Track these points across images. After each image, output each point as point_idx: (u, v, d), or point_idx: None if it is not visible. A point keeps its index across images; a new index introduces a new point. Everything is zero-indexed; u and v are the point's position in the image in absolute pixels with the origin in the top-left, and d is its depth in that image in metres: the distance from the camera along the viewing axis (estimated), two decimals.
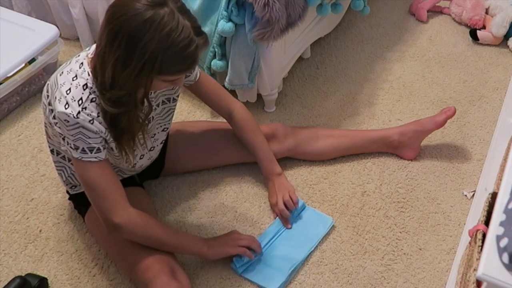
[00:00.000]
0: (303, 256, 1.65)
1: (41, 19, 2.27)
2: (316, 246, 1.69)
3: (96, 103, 1.34)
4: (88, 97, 1.33)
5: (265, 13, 1.71)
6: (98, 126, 1.35)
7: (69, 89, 1.33)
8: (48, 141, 1.56)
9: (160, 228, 1.49)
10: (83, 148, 1.35)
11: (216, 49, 1.90)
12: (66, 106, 1.31)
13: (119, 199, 1.41)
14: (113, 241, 1.56)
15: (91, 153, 1.36)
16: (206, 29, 1.87)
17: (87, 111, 1.33)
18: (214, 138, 1.83)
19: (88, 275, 1.64)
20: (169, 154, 1.80)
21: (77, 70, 1.35)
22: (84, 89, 1.33)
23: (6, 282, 1.57)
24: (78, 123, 1.32)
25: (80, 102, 1.32)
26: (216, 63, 1.93)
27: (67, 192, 1.70)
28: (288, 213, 1.72)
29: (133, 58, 1.24)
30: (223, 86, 2.04)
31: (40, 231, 1.75)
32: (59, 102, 1.32)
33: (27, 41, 2.12)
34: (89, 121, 1.33)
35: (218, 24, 1.82)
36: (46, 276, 1.62)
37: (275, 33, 1.77)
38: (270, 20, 1.72)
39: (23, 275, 1.60)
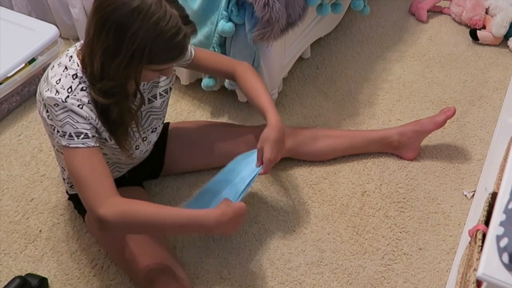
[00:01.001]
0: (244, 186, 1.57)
1: (41, 19, 2.27)
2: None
3: (87, 92, 1.33)
4: (77, 86, 1.33)
5: (265, 13, 1.71)
6: (88, 112, 1.33)
7: (59, 79, 1.33)
8: (50, 139, 1.54)
9: (152, 211, 1.33)
10: (70, 133, 1.32)
11: (216, 49, 1.90)
12: (56, 93, 1.31)
13: (102, 188, 1.30)
14: (113, 241, 1.56)
15: (78, 138, 1.32)
16: (206, 29, 1.87)
17: (76, 97, 1.32)
18: (214, 138, 1.83)
19: (88, 275, 1.64)
20: (168, 153, 1.80)
21: (66, 63, 1.35)
22: (73, 79, 1.33)
23: (6, 282, 1.56)
24: (66, 107, 1.31)
25: (69, 90, 1.31)
26: None
27: (67, 192, 1.70)
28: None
29: (122, 47, 1.24)
30: (223, 86, 2.04)
31: (40, 231, 1.75)
32: (49, 92, 1.32)
33: (27, 41, 2.12)
34: (78, 105, 1.32)
35: (218, 24, 1.82)
36: (46, 276, 1.62)
37: (275, 33, 1.77)
38: (270, 20, 1.72)
39: (23, 275, 1.60)
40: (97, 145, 1.36)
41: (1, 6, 2.31)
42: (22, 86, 2.14)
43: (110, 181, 1.33)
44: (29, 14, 2.37)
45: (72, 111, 1.31)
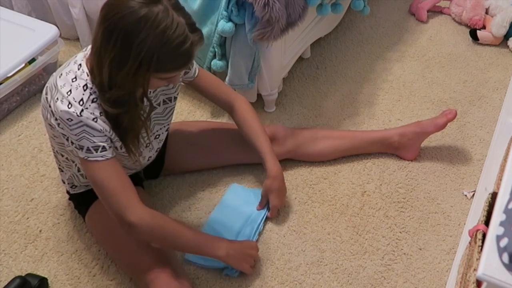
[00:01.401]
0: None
1: (41, 19, 2.27)
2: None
3: (98, 103, 1.34)
4: (89, 97, 1.33)
5: (265, 13, 1.71)
6: (103, 124, 1.34)
7: (70, 90, 1.32)
8: (51, 141, 1.54)
9: (176, 227, 1.46)
10: (88, 147, 1.34)
11: (216, 49, 1.90)
12: (69, 106, 1.31)
13: (130, 197, 1.38)
14: (113, 241, 1.56)
15: (97, 152, 1.34)
16: (206, 29, 1.87)
17: (89, 110, 1.32)
18: (214, 139, 1.83)
19: (88, 275, 1.64)
20: (169, 153, 1.80)
21: (76, 72, 1.35)
22: (84, 90, 1.33)
23: (6, 282, 1.57)
24: (81, 121, 1.31)
25: (81, 102, 1.32)
26: (216, 63, 1.93)
27: (67, 192, 1.70)
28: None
29: (129, 56, 1.24)
30: None
31: (40, 231, 1.75)
32: (61, 103, 1.32)
33: (27, 41, 2.12)
34: (93, 119, 1.32)
35: (218, 24, 1.82)
36: (46, 276, 1.62)
37: (275, 33, 1.77)
38: (270, 20, 1.72)
39: (23, 275, 1.60)
40: (114, 154, 1.39)
41: (1, 6, 2.31)
42: (22, 86, 2.14)
43: (134, 189, 1.41)
44: (29, 14, 2.37)
45: (87, 125, 1.32)
